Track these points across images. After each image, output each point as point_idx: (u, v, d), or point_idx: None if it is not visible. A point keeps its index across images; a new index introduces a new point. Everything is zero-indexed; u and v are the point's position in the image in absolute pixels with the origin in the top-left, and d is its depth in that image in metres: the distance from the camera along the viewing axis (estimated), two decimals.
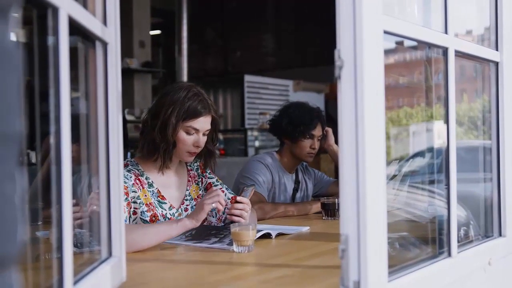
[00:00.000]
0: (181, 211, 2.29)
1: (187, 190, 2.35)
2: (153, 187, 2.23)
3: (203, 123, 2.22)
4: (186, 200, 2.34)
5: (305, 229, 2.36)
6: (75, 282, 1.08)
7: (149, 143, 2.21)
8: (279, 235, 2.19)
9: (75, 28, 1.10)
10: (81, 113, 1.32)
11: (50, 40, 1.00)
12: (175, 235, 1.99)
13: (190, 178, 2.38)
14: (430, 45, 1.56)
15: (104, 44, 1.35)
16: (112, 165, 1.37)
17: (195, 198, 2.36)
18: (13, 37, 0.58)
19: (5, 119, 0.53)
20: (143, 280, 1.57)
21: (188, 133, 2.20)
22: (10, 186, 0.54)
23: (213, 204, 1.98)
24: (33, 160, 2.50)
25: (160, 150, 2.19)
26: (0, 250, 0.53)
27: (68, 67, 1.02)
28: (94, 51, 1.34)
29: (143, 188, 2.20)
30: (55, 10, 0.99)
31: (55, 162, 0.99)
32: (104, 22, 1.35)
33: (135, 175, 2.19)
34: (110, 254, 1.36)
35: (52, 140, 1.00)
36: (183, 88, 2.21)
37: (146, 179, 2.23)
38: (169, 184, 2.30)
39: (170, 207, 2.25)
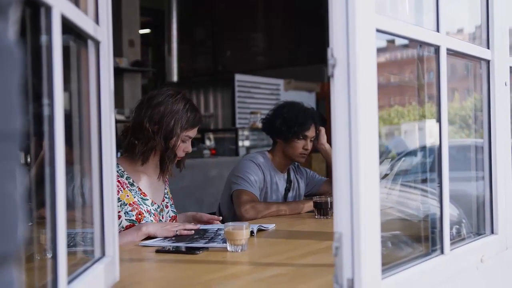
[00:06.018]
0: (163, 207, 2.40)
1: (165, 189, 2.46)
2: (134, 186, 2.30)
3: (196, 131, 2.36)
4: (166, 197, 2.44)
5: (271, 226, 2.38)
6: (69, 282, 1.07)
7: (150, 150, 2.27)
8: (260, 231, 2.24)
9: (67, 27, 1.10)
10: (73, 112, 1.31)
11: (43, 38, 1.00)
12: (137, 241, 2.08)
13: (166, 179, 2.48)
14: (422, 43, 1.56)
15: (97, 43, 1.34)
16: (105, 165, 1.36)
17: (171, 197, 2.49)
18: (12, 35, 0.57)
19: (6, 117, 0.53)
20: (136, 280, 1.56)
21: (183, 141, 2.31)
22: (11, 184, 0.55)
23: (177, 232, 2.12)
24: (22, 161, 2.49)
25: (165, 159, 2.29)
26: (2, 248, 0.53)
27: (61, 66, 1.01)
28: (86, 50, 1.33)
29: (124, 188, 2.25)
30: (48, 9, 0.98)
31: (48, 163, 0.99)
32: (97, 21, 1.34)
33: None
34: (103, 253, 1.36)
35: (45, 140, 1.00)
36: (178, 98, 2.29)
37: (126, 179, 2.29)
38: (149, 183, 2.37)
39: (152, 203, 2.33)
